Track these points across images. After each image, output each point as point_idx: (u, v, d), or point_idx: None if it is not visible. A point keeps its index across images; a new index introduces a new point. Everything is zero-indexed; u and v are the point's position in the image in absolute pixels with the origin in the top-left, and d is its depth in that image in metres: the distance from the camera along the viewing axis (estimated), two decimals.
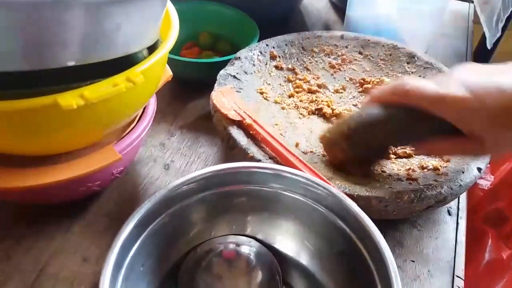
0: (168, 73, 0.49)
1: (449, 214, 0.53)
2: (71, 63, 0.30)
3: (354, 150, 0.47)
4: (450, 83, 0.39)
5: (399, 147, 0.52)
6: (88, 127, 0.37)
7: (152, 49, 0.39)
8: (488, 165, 0.80)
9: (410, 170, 0.50)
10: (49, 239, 0.46)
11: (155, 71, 0.40)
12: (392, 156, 0.52)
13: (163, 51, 0.37)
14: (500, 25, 0.85)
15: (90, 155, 0.40)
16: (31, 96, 0.30)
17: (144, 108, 0.47)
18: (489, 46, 0.85)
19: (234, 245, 0.40)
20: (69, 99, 0.30)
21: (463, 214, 0.53)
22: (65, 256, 0.44)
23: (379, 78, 0.64)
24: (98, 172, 0.40)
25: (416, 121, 0.43)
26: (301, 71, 0.64)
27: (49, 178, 0.38)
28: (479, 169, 0.48)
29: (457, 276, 0.47)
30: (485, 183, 0.78)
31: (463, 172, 0.47)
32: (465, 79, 0.39)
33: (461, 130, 0.39)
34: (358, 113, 0.47)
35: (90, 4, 0.29)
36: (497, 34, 0.85)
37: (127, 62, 0.35)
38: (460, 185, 0.45)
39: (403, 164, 0.51)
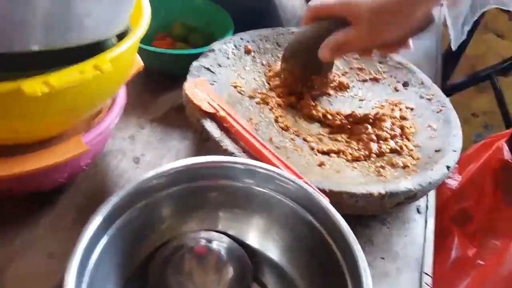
0: (139, 64, 0.48)
1: (419, 212, 0.54)
2: (35, 47, 0.28)
3: (295, 65, 0.58)
4: None
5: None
6: (54, 116, 0.36)
7: (122, 37, 0.38)
8: (456, 165, 0.81)
9: (380, 167, 0.50)
10: (13, 234, 0.44)
11: (125, 59, 0.39)
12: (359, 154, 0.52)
13: (133, 39, 0.36)
14: (466, 28, 0.88)
15: (56, 146, 0.38)
16: None
17: (114, 99, 0.46)
18: (453, 48, 0.87)
19: (205, 241, 0.39)
20: (33, 86, 0.29)
21: (431, 212, 0.54)
22: (30, 252, 0.43)
23: (346, 76, 0.65)
24: (64, 164, 0.39)
25: (327, 25, 0.54)
26: (276, 67, 0.64)
27: (13, 169, 0.36)
28: (447, 167, 0.48)
29: (425, 273, 0.47)
30: (453, 182, 0.79)
31: (432, 170, 0.47)
32: None
33: (350, 20, 0.51)
34: (294, 34, 0.61)
35: None
36: (462, 37, 0.87)
37: (95, 50, 0.34)
38: (430, 182, 0.46)
39: (373, 161, 0.52)
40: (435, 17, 0.51)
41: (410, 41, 0.53)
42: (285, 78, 0.60)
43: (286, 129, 0.54)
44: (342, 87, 0.63)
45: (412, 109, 0.59)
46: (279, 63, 0.61)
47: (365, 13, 0.49)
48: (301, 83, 0.59)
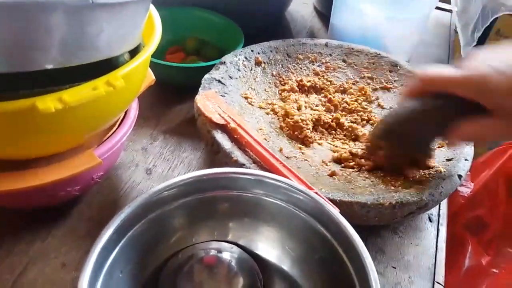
0: (150, 77, 0.49)
1: (430, 221, 0.53)
2: (49, 66, 0.29)
3: (393, 146, 0.48)
4: (469, 65, 0.41)
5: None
6: (67, 132, 0.37)
7: (134, 53, 0.39)
8: (469, 173, 0.81)
9: (391, 176, 0.50)
10: (27, 244, 0.45)
11: (137, 75, 0.40)
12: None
13: (145, 55, 0.37)
14: (477, 35, 0.87)
15: (70, 160, 0.39)
16: (9, 99, 0.30)
17: (126, 112, 0.47)
18: (463, 55, 0.87)
19: (216, 251, 0.40)
20: (48, 103, 0.29)
21: (443, 221, 0.54)
22: (43, 262, 0.44)
23: (358, 85, 0.65)
24: (77, 177, 0.40)
25: (446, 106, 0.43)
26: (286, 78, 0.64)
27: (27, 183, 0.37)
28: (459, 176, 0.48)
29: (437, 283, 0.47)
30: (466, 190, 0.79)
31: (444, 179, 0.47)
32: (482, 60, 0.40)
33: (487, 107, 0.40)
34: (393, 110, 0.49)
35: (72, 7, 0.29)
36: (473, 44, 0.86)
37: (108, 65, 0.35)
38: (441, 192, 0.46)
39: (384, 171, 0.52)
40: None
41: None
42: (378, 157, 0.51)
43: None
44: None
45: None
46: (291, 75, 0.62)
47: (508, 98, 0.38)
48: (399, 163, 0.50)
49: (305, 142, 0.55)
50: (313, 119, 0.57)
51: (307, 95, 0.63)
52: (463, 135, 0.43)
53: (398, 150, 0.49)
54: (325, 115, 0.58)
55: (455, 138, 0.44)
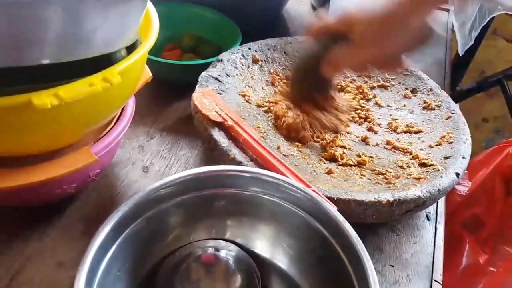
0: (147, 74, 0.48)
1: (428, 219, 0.53)
2: (45, 61, 0.29)
3: (300, 83, 0.57)
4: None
5: None
6: (63, 128, 0.36)
7: (131, 49, 0.38)
8: (466, 171, 0.81)
9: (389, 174, 0.50)
10: (23, 243, 0.44)
11: (133, 71, 0.39)
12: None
13: (142, 52, 0.37)
14: (474, 34, 0.87)
15: (65, 157, 0.39)
16: (4, 95, 0.29)
17: (123, 109, 0.46)
18: (460, 53, 0.87)
19: (213, 249, 0.39)
20: (44, 98, 0.29)
21: (441, 219, 0.54)
22: (40, 261, 0.43)
23: (355, 84, 0.64)
24: (74, 174, 0.40)
25: (328, 42, 0.53)
26: (284, 75, 0.64)
27: (22, 180, 0.37)
28: (457, 174, 0.48)
29: (435, 281, 0.47)
30: (463, 189, 0.79)
31: (441, 177, 0.47)
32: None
33: (350, 37, 0.50)
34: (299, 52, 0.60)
35: (68, 2, 0.28)
36: (470, 43, 0.87)
37: (105, 62, 0.34)
38: (439, 189, 0.46)
39: (382, 167, 0.52)
40: (433, 31, 0.49)
41: (406, 60, 0.51)
42: (290, 96, 0.59)
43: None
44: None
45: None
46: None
47: (360, 26, 0.49)
48: (303, 99, 0.58)
49: (302, 141, 0.55)
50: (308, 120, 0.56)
51: None
52: (331, 58, 0.52)
53: (302, 86, 0.57)
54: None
55: (326, 66, 0.53)
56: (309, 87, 0.57)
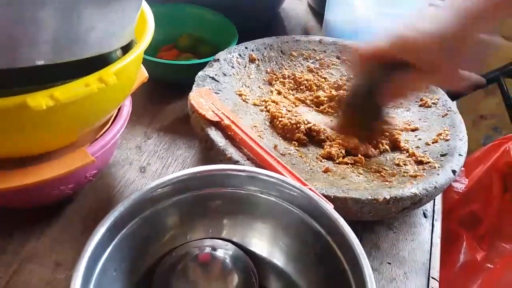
0: (143, 75, 0.48)
1: (425, 216, 0.54)
2: (40, 62, 0.29)
3: (352, 112, 0.54)
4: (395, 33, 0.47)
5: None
6: (59, 129, 0.36)
7: (126, 49, 0.38)
8: (463, 169, 0.81)
9: (385, 172, 0.50)
10: (20, 243, 0.44)
11: (129, 72, 0.39)
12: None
13: (137, 52, 0.37)
14: None
15: (62, 158, 0.39)
16: (0, 96, 0.29)
17: (119, 110, 0.47)
18: None
19: (210, 248, 0.39)
20: (39, 100, 0.29)
21: (438, 216, 0.54)
22: (37, 261, 0.43)
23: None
24: (70, 175, 0.40)
25: (382, 71, 0.49)
26: (280, 75, 0.64)
27: (19, 181, 0.37)
28: (453, 171, 0.48)
29: (432, 278, 0.47)
30: (460, 186, 0.79)
31: (438, 174, 0.47)
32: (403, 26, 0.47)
33: (410, 62, 0.46)
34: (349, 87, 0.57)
35: (63, 2, 0.28)
36: None
37: (100, 62, 0.34)
38: (435, 186, 0.46)
39: (379, 165, 0.52)
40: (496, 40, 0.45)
41: (468, 73, 0.47)
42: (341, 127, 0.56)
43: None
44: None
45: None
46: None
47: (427, 51, 0.45)
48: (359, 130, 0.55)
49: (298, 141, 0.55)
50: (305, 121, 0.56)
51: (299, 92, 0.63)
52: (392, 89, 0.48)
53: (357, 118, 0.54)
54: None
55: (386, 95, 0.50)
56: (363, 117, 0.54)
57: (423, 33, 0.44)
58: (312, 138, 0.55)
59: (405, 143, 0.55)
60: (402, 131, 0.57)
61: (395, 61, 0.47)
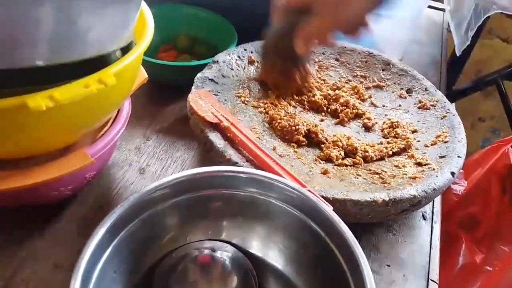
0: (143, 76, 0.48)
1: (424, 218, 0.54)
2: (40, 63, 0.29)
3: (273, 57, 0.59)
4: None
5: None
6: (58, 130, 0.36)
7: (126, 50, 0.38)
8: (462, 171, 0.81)
9: (384, 173, 0.50)
10: (19, 244, 0.44)
11: (129, 73, 0.39)
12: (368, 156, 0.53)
13: (137, 53, 0.37)
14: (471, 33, 0.87)
15: (61, 159, 0.39)
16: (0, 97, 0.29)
17: (119, 111, 0.46)
18: (458, 53, 0.87)
19: (210, 250, 0.39)
20: (38, 100, 0.29)
21: (437, 218, 0.54)
22: (36, 262, 0.43)
23: (351, 84, 0.65)
24: (70, 176, 0.39)
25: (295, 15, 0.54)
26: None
27: (18, 182, 0.37)
28: (452, 173, 0.48)
29: (431, 280, 0.47)
30: (459, 188, 0.79)
31: (436, 176, 0.47)
32: None
33: (313, 10, 0.52)
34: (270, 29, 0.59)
35: (61, 2, 0.28)
36: (467, 42, 0.87)
37: (99, 63, 0.34)
38: (434, 188, 0.46)
39: (377, 167, 0.52)
40: None
41: (369, 21, 0.53)
42: (265, 74, 0.61)
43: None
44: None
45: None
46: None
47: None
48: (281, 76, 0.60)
49: (297, 143, 0.55)
50: (303, 123, 0.56)
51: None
52: (301, 32, 0.53)
53: (277, 62, 0.59)
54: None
55: (297, 40, 0.54)
56: (283, 64, 0.59)
57: None
58: (311, 140, 0.55)
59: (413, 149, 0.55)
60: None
61: (303, 9, 0.53)
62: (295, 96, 0.61)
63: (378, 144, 0.55)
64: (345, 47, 0.68)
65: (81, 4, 0.29)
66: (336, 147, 0.54)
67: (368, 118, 0.59)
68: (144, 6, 0.43)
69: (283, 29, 0.56)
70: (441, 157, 0.52)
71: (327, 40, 0.57)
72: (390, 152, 0.54)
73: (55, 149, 0.40)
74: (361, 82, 0.65)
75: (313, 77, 0.62)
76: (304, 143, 0.54)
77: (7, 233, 0.45)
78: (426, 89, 0.63)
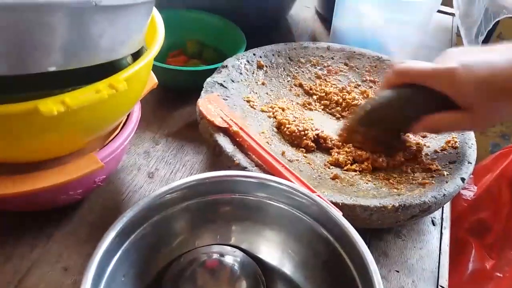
0: (153, 81, 0.49)
1: (433, 224, 0.53)
2: (52, 68, 0.29)
3: (371, 130, 0.52)
4: (443, 60, 0.44)
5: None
6: (69, 134, 0.36)
7: (137, 56, 0.39)
8: (472, 176, 0.80)
9: (394, 179, 0.50)
10: (29, 248, 0.45)
11: (139, 78, 0.40)
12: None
13: (147, 58, 0.37)
14: (481, 38, 0.87)
15: (71, 163, 0.39)
16: (12, 102, 0.30)
17: (128, 116, 0.47)
18: None
19: (218, 255, 0.39)
20: (50, 105, 0.29)
21: (447, 224, 0.54)
22: (45, 266, 0.43)
23: (359, 89, 0.64)
24: (79, 180, 0.40)
25: (418, 97, 0.47)
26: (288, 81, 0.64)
27: (29, 186, 0.37)
28: (462, 179, 0.48)
29: (441, 286, 0.47)
30: (469, 193, 0.78)
31: (446, 182, 0.47)
32: (456, 56, 0.43)
33: (455, 101, 0.43)
34: (371, 98, 0.53)
35: (74, 9, 0.29)
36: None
37: (111, 68, 0.35)
38: (444, 194, 0.46)
39: (387, 172, 0.52)
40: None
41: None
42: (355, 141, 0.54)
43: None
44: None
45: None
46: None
47: (476, 94, 0.41)
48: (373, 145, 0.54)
49: (306, 148, 0.55)
50: (312, 128, 0.55)
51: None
52: (431, 123, 0.46)
53: (374, 135, 0.53)
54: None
55: (420, 127, 0.48)
56: (377, 135, 0.53)
57: (476, 68, 0.40)
58: (320, 144, 0.55)
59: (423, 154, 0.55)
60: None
61: (434, 91, 0.44)
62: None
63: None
64: (354, 52, 0.68)
65: (93, 10, 0.30)
66: (345, 152, 0.54)
67: None
68: (155, 12, 0.44)
69: (397, 101, 0.49)
70: (451, 163, 0.51)
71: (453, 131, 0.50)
72: (402, 159, 0.53)
73: (66, 153, 0.40)
74: (370, 87, 0.65)
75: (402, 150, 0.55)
76: (313, 148, 0.54)
77: (17, 236, 0.45)
78: None
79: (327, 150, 0.55)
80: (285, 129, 0.55)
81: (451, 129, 0.48)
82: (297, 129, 0.54)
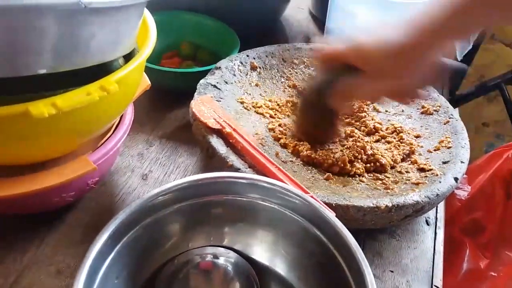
0: (146, 83, 0.49)
1: (428, 224, 0.53)
2: (42, 71, 0.29)
3: (306, 113, 0.55)
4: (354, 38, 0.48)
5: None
6: (61, 137, 0.36)
7: (128, 58, 0.38)
8: (465, 176, 0.81)
9: (387, 179, 0.50)
10: (21, 250, 0.44)
11: (131, 80, 0.40)
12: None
13: (139, 60, 0.37)
14: (472, 38, 0.87)
15: (64, 165, 0.39)
16: (2, 104, 0.30)
17: (121, 118, 0.47)
18: (459, 58, 0.87)
19: (212, 256, 0.39)
20: (41, 108, 0.29)
21: (441, 224, 0.54)
22: (38, 268, 0.43)
23: None
24: (72, 183, 0.40)
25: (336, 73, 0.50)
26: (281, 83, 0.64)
27: (21, 189, 0.37)
28: (455, 179, 0.48)
29: (435, 286, 0.47)
30: (463, 193, 0.79)
31: (439, 182, 0.47)
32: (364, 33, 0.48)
33: (360, 68, 0.47)
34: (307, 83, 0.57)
35: (64, 11, 0.29)
36: (468, 47, 0.87)
37: (102, 70, 0.34)
38: (437, 194, 0.46)
39: (379, 174, 0.52)
40: (451, 66, 0.47)
41: (421, 92, 0.50)
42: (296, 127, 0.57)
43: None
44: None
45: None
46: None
47: (376, 60, 0.46)
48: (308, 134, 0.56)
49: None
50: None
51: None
52: (341, 90, 0.49)
53: (310, 119, 0.55)
54: None
55: (336, 96, 0.50)
56: (315, 119, 0.55)
57: (380, 42, 0.46)
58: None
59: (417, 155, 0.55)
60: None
61: (348, 64, 0.48)
62: None
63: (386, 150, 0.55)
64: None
65: (83, 13, 0.29)
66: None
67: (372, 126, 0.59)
68: (147, 13, 0.44)
69: (322, 81, 0.52)
70: (444, 163, 0.51)
71: (372, 101, 0.55)
72: (399, 160, 0.53)
73: (58, 156, 0.40)
74: None
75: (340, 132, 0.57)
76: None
77: (9, 239, 0.45)
78: (428, 94, 0.63)
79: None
80: (283, 140, 0.55)
81: (356, 91, 0.50)
82: (289, 142, 0.54)
